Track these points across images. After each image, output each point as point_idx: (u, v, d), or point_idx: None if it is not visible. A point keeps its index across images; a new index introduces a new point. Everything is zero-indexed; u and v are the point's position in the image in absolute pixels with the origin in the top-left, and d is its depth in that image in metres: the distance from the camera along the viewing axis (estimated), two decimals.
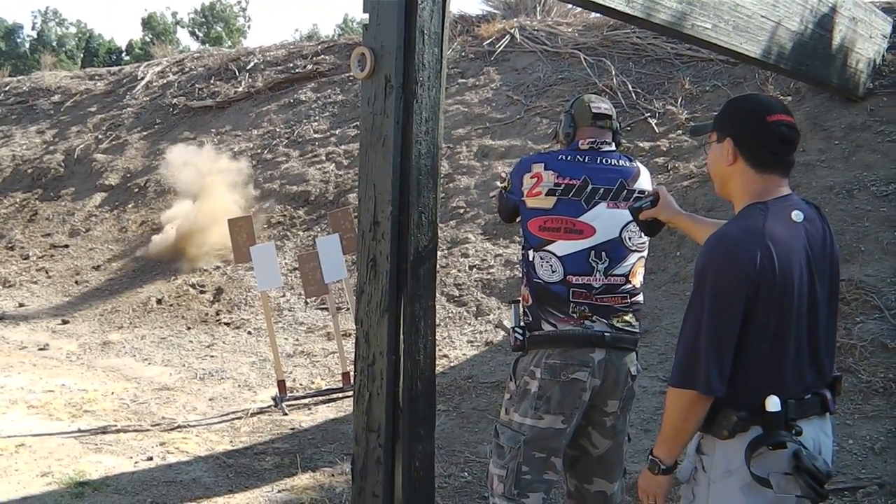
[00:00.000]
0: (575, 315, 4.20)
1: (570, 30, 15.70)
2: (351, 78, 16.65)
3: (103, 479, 6.77)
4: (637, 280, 4.38)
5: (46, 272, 14.58)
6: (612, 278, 4.26)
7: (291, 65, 18.68)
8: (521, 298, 4.44)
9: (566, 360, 4.15)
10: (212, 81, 19.33)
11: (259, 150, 16.05)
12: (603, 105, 4.51)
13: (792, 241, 2.95)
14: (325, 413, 8.56)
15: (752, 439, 2.93)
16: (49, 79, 22.32)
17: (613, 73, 13.52)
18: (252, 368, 10.09)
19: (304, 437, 7.87)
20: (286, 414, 8.47)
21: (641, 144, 11.74)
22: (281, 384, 8.72)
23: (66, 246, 15.18)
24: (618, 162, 4.41)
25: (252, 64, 19.32)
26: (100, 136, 18.94)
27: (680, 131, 11.85)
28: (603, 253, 4.24)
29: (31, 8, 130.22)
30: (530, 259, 4.31)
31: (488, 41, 16.19)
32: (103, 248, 14.65)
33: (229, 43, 53.60)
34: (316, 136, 15.79)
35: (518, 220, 4.49)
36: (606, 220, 4.27)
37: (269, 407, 8.69)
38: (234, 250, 9.25)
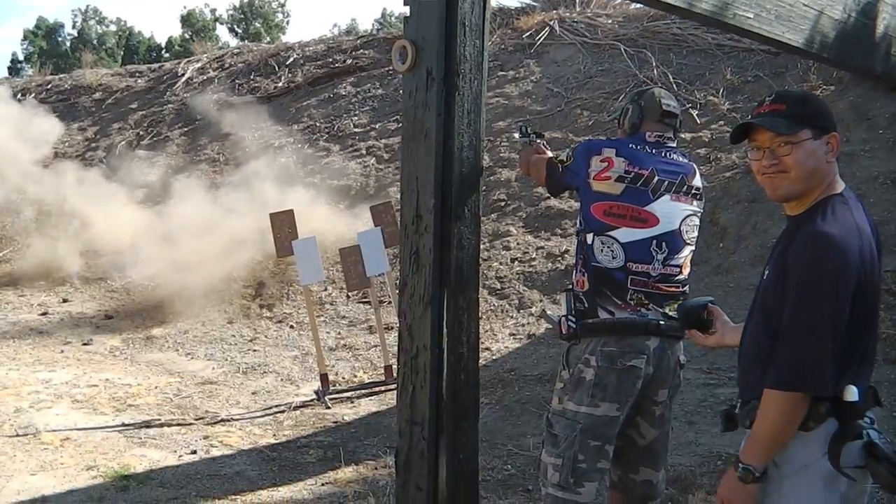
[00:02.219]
0: (632, 302, 4.20)
1: (609, 21, 15.65)
2: (390, 72, 16.67)
3: (148, 472, 6.82)
4: (687, 271, 4.41)
5: (90, 267, 14.65)
6: (668, 268, 4.28)
7: (331, 59, 18.70)
8: (574, 284, 4.40)
9: (623, 348, 4.15)
10: (252, 77, 19.38)
11: (299, 145, 16.09)
12: (672, 103, 4.54)
13: (869, 233, 2.92)
14: (367, 406, 8.58)
15: (836, 432, 2.86)
16: (90, 76, 22.47)
17: (654, 64, 13.48)
18: (294, 362, 10.13)
19: (346, 430, 7.89)
20: (329, 407, 8.49)
21: (683, 136, 11.67)
22: (323, 378, 8.75)
23: (110, 241, 15.22)
24: (679, 158, 4.45)
25: (291, 59, 19.36)
26: (141, 133, 19.04)
27: (722, 122, 11.79)
28: (664, 243, 4.26)
29: (71, 7, 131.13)
30: (589, 242, 4.28)
31: (528, 33, 16.16)
32: (146, 244, 14.70)
33: (268, 39, 53.72)
34: (356, 130, 15.82)
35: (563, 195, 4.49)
36: (669, 211, 4.30)
37: (311, 400, 8.72)
38: (276, 244, 9.28)
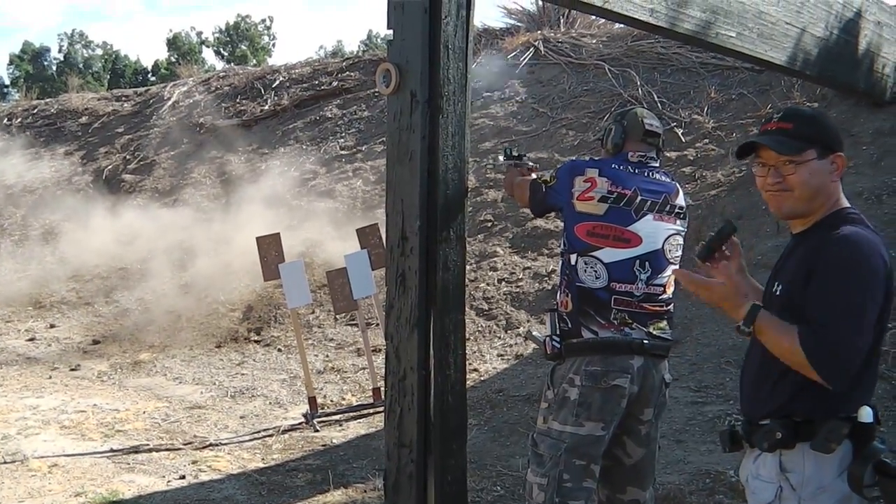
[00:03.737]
0: (616, 322, 4.22)
1: (594, 41, 15.70)
2: (376, 94, 16.70)
3: (136, 498, 6.79)
4: (671, 290, 4.41)
5: (77, 292, 14.64)
6: (652, 287, 4.30)
7: (317, 82, 18.74)
8: (558, 305, 4.41)
9: (607, 367, 4.17)
10: (238, 100, 19.39)
11: (286, 168, 16.09)
12: (655, 123, 4.57)
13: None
14: (356, 429, 8.56)
15: (857, 455, 2.87)
16: (76, 101, 22.46)
17: (638, 83, 13.51)
18: (283, 385, 10.10)
19: (335, 453, 7.87)
20: (317, 430, 8.47)
21: (668, 154, 11.70)
22: (312, 401, 8.73)
23: (97, 266, 15.23)
24: (662, 178, 4.48)
25: (277, 82, 19.38)
26: (128, 157, 19.05)
27: (706, 140, 11.82)
28: (647, 263, 4.28)
29: (57, 31, 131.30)
30: (573, 263, 4.30)
31: (512, 54, 16.19)
32: (132, 268, 14.70)
33: (254, 61, 53.77)
34: (343, 152, 15.84)
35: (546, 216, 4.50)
36: (652, 231, 4.33)
37: (300, 424, 8.69)
38: (262, 268, 9.25)
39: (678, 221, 4.46)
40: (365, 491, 6.83)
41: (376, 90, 16.35)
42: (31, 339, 12.88)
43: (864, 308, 2.82)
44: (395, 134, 4.37)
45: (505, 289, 10.89)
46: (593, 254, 4.25)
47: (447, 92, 4.25)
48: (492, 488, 6.69)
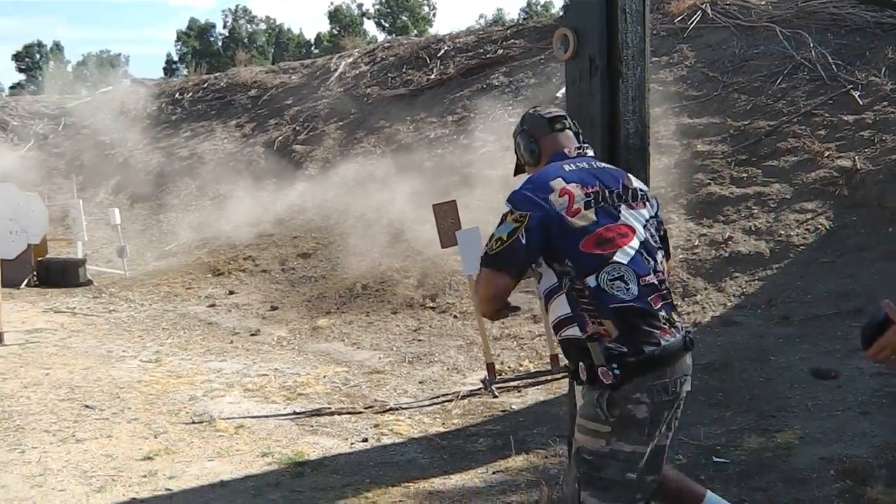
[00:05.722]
0: (666, 325, 3.87)
1: (762, 2, 15.44)
2: (542, 61, 16.69)
3: (321, 459, 6.97)
4: (667, 277, 4.10)
5: (253, 260, 15.00)
6: (658, 275, 3.96)
7: (482, 50, 18.81)
8: (598, 335, 3.81)
9: (674, 375, 3.88)
10: (403, 70, 19.59)
11: (455, 136, 16.19)
12: (552, 109, 4.22)
13: None
14: (534, 395, 8.60)
15: None
16: (245, 74, 22.98)
17: (811, 45, 13.24)
18: (459, 352, 10.21)
19: (514, 419, 7.93)
20: (496, 396, 8.53)
21: (845, 118, 11.45)
22: (490, 367, 8.76)
23: (272, 234, 15.59)
24: (605, 165, 4.16)
25: (442, 51, 19.52)
26: (297, 128, 19.41)
27: (885, 102, 11.52)
28: (644, 252, 3.94)
29: (221, 7, 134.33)
30: (592, 286, 3.80)
31: (679, 18, 16.04)
32: (307, 237, 15.00)
33: (415, 32, 54.17)
34: (511, 119, 15.82)
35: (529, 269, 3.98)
36: (635, 220, 3.98)
37: (478, 389, 8.75)
38: (439, 235, 9.27)
39: (647, 205, 4.10)
40: (546, 457, 6.85)
41: (541, 57, 16.37)
42: (212, 305, 13.28)
43: None
44: (575, 99, 4.39)
45: (681, 256, 10.79)
46: (612, 261, 3.84)
47: (626, 56, 4.26)
48: (674, 457, 6.63)
